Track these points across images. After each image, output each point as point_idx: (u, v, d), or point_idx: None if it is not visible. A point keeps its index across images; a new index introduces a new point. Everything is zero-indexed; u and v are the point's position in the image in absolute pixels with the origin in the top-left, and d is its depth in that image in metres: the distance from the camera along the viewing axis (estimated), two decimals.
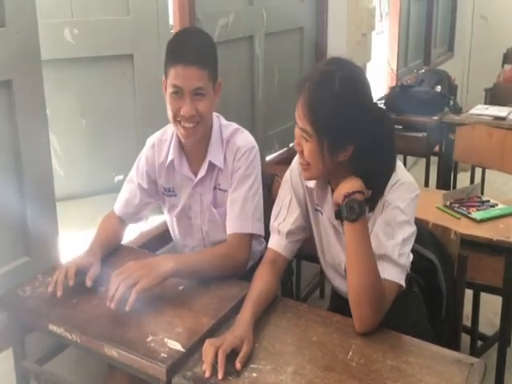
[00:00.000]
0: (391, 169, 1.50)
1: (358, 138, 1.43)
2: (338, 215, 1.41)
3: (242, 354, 1.29)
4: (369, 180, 1.45)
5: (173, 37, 1.71)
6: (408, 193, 1.48)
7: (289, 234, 1.63)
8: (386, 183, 1.49)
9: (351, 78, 1.43)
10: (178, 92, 1.62)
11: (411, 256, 1.50)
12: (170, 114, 1.67)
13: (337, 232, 1.61)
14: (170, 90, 1.63)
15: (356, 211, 1.37)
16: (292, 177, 1.66)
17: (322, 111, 1.39)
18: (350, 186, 1.40)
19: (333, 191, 1.55)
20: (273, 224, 1.66)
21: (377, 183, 1.48)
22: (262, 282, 1.54)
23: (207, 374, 1.25)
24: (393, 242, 1.43)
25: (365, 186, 1.42)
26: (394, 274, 1.43)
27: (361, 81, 1.45)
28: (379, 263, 1.41)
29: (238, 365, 1.27)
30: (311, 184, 1.60)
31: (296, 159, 1.65)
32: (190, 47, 1.62)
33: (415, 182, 1.53)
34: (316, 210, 1.64)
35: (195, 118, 1.65)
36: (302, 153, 1.47)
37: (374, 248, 1.43)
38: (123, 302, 1.42)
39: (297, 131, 1.46)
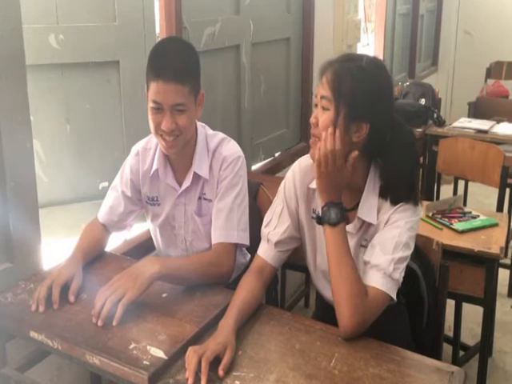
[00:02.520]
0: (411, 174, 1.52)
1: (374, 118, 1.45)
2: (320, 220, 1.49)
3: (224, 361, 1.29)
4: (388, 185, 1.50)
5: (154, 47, 1.69)
6: (413, 215, 1.49)
7: (278, 243, 1.63)
8: (405, 190, 1.50)
9: (378, 60, 1.53)
10: (158, 108, 1.62)
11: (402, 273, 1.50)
12: (151, 126, 1.67)
13: None
14: (150, 104, 1.63)
15: (338, 216, 1.45)
16: (286, 188, 1.66)
17: (345, 79, 1.43)
18: (334, 195, 1.48)
19: None
20: (263, 230, 1.67)
21: (394, 187, 1.50)
22: (247, 289, 1.54)
23: (190, 382, 1.24)
24: (389, 256, 1.44)
25: (384, 194, 1.50)
26: (385, 285, 1.42)
27: (385, 67, 1.52)
28: (372, 271, 1.43)
29: (220, 372, 1.27)
30: (314, 184, 1.58)
31: (291, 171, 1.67)
32: (171, 62, 1.61)
33: (420, 206, 1.53)
34: (313, 217, 1.63)
35: (175, 131, 1.65)
36: (316, 125, 1.48)
37: (369, 257, 1.45)
38: (110, 317, 1.42)
39: (317, 106, 1.49)
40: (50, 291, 1.54)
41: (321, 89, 1.47)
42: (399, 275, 1.45)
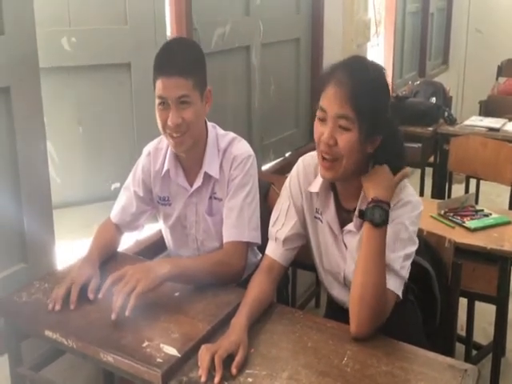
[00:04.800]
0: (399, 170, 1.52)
1: (386, 127, 1.45)
2: (363, 214, 1.42)
3: (237, 359, 1.30)
4: None
5: (160, 49, 1.71)
6: (412, 210, 1.49)
7: (286, 240, 1.63)
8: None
9: (379, 66, 1.47)
10: (163, 103, 1.64)
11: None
12: (159, 125, 1.68)
13: (336, 239, 1.61)
14: (157, 101, 1.65)
15: (382, 217, 1.39)
16: (291, 184, 1.66)
17: (364, 94, 1.37)
18: (383, 194, 1.42)
19: (336, 196, 1.57)
20: (271, 230, 1.67)
21: None
22: (258, 288, 1.55)
23: (203, 379, 1.26)
24: (396, 254, 1.45)
25: None
26: (393, 284, 1.44)
27: (385, 72, 1.48)
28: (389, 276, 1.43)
29: (233, 370, 1.28)
30: (315, 188, 1.59)
31: (297, 168, 1.66)
32: (173, 58, 1.64)
33: (419, 199, 1.54)
34: (315, 217, 1.64)
35: (182, 126, 1.65)
36: (333, 146, 1.41)
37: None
38: (122, 308, 1.43)
39: (327, 123, 1.41)
40: (67, 291, 1.56)
41: (336, 107, 1.39)
42: (406, 272, 1.47)
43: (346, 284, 1.62)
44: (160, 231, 2.04)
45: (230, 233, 1.75)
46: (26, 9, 1.65)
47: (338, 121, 1.40)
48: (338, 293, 1.69)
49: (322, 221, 1.62)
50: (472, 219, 2.32)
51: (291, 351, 1.37)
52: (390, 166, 1.49)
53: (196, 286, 1.62)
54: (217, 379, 1.25)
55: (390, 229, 1.44)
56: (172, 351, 1.34)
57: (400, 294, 1.46)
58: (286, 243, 1.63)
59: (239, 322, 1.41)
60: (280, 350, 1.37)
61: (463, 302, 2.28)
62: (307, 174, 1.63)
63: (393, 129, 1.51)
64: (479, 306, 2.50)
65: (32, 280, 1.68)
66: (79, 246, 1.97)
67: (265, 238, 1.78)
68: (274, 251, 1.64)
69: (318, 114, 1.43)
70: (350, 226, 1.56)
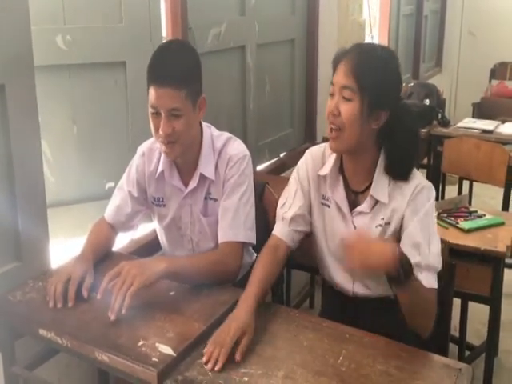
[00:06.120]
0: (413, 156, 1.59)
1: (392, 105, 1.52)
2: (393, 280, 1.40)
3: (241, 345, 1.34)
4: (392, 162, 1.56)
5: (155, 51, 1.69)
6: (429, 197, 1.56)
7: (292, 220, 1.68)
8: (409, 170, 1.57)
9: (389, 49, 1.61)
10: (156, 112, 1.63)
11: None
12: (152, 131, 1.68)
13: (345, 220, 1.65)
14: (149, 108, 1.64)
15: (408, 273, 1.38)
16: (299, 171, 1.72)
17: (368, 68, 1.47)
18: (389, 262, 1.37)
19: (344, 180, 1.63)
20: (278, 211, 1.72)
21: (399, 167, 1.57)
22: (264, 267, 1.59)
23: (209, 367, 1.29)
24: (434, 252, 1.52)
25: (388, 169, 1.56)
26: (434, 282, 1.51)
27: (396, 55, 1.59)
28: (425, 273, 1.48)
29: (237, 357, 1.32)
30: (324, 171, 1.64)
31: (303, 158, 1.72)
32: (167, 68, 1.61)
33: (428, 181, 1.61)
34: (322, 203, 1.68)
35: (172, 136, 1.64)
36: (337, 116, 1.49)
37: (419, 259, 1.48)
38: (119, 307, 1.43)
39: (335, 95, 1.50)
40: (65, 288, 1.55)
41: (341, 78, 1.49)
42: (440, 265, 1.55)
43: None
44: (154, 231, 2.03)
45: (226, 233, 1.75)
46: (21, 6, 1.64)
47: (342, 92, 1.48)
48: (341, 279, 1.71)
49: (329, 206, 1.67)
50: (466, 220, 2.34)
51: (287, 350, 1.37)
52: (397, 155, 1.55)
53: (191, 285, 1.62)
54: (218, 367, 1.29)
55: (419, 223, 1.52)
56: (167, 350, 1.34)
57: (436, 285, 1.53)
58: (292, 223, 1.68)
59: (247, 304, 1.45)
60: (275, 349, 1.37)
61: (457, 302, 2.28)
62: (315, 161, 1.69)
63: (401, 111, 1.57)
64: (471, 306, 2.51)
65: (26, 279, 1.67)
66: (73, 244, 1.96)
67: (259, 239, 1.79)
68: (281, 230, 1.69)
69: (330, 89, 1.53)
70: (362, 208, 1.61)
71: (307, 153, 1.73)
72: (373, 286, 1.66)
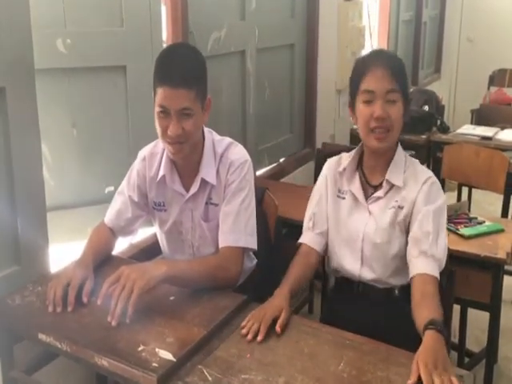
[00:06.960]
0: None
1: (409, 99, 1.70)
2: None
3: (281, 319, 1.46)
4: None
5: (161, 53, 1.70)
6: (438, 187, 1.69)
7: (315, 226, 1.80)
8: None
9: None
10: (164, 112, 1.62)
11: None
12: (158, 131, 1.67)
13: (359, 207, 1.73)
14: (157, 109, 1.63)
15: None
16: (319, 182, 1.84)
17: (402, 71, 1.65)
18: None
19: (363, 173, 1.75)
20: (305, 225, 1.84)
21: None
22: (298, 267, 1.72)
23: (249, 337, 1.41)
24: (441, 245, 1.61)
25: None
26: (437, 273, 1.58)
27: None
28: (431, 262, 1.57)
29: (278, 329, 1.44)
30: (342, 167, 1.76)
31: (323, 172, 1.82)
32: (178, 68, 1.61)
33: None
34: (338, 196, 1.78)
35: (181, 137, 1.64)
36: (387, 118, 1.60)
37: (427, 247, 1.58)
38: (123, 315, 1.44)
39: (376, 100, 1.60)
40: (64, 292, 1.55)
41: (384, 83, 1.60)
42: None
43: (362, 247, 1.72)
44: (154, 235, 2.02)
45: (227, 238, 1.74)
46: (22, 10, 1.64)
47: (387, 96, 1.60)
48: (349, 262, 1.75)
49: (344, 197, 1.77)
50: (466, 227, 2.33)
51: (287, 356, 1.36)
52: None
53: (191, 290, 1.61)
54: (260, 337, 1.41)
55: (432, 214, 1.61)
56: (167, 356, 1.33)
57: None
58: (315, 227, 1.80)
59: (282, 292, 1.59)
60: (276, 356, 1.37)
61: (456, 308, 2.28)
62: (331, 166, 1.81)
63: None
64: (471, 313, 2.50)
65: (25, 283, 1.67)
66: (73, 248, 1.95)
67: (260, 243, 1.78)
68: (307, 238, 1.80)
69: (364, 97, 1.62)
70: (377, 193, 1.70)
71: (325, 167, 1.84)
72: (378, 268, 1.71)
